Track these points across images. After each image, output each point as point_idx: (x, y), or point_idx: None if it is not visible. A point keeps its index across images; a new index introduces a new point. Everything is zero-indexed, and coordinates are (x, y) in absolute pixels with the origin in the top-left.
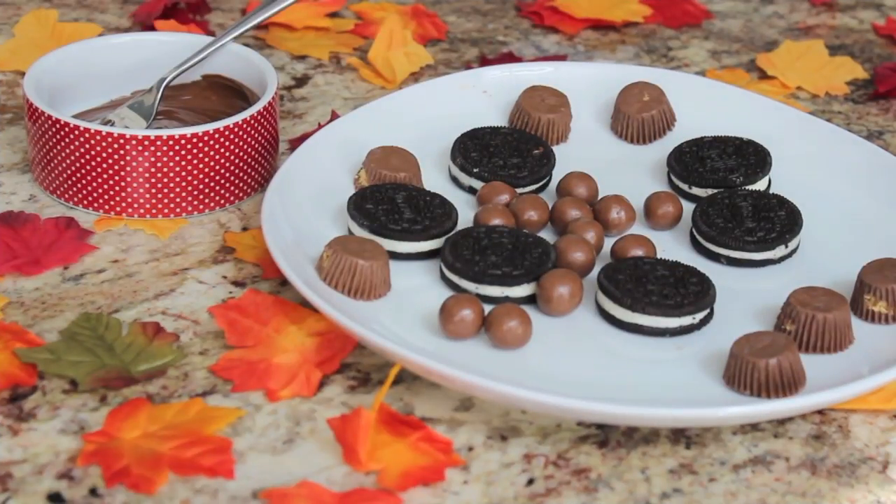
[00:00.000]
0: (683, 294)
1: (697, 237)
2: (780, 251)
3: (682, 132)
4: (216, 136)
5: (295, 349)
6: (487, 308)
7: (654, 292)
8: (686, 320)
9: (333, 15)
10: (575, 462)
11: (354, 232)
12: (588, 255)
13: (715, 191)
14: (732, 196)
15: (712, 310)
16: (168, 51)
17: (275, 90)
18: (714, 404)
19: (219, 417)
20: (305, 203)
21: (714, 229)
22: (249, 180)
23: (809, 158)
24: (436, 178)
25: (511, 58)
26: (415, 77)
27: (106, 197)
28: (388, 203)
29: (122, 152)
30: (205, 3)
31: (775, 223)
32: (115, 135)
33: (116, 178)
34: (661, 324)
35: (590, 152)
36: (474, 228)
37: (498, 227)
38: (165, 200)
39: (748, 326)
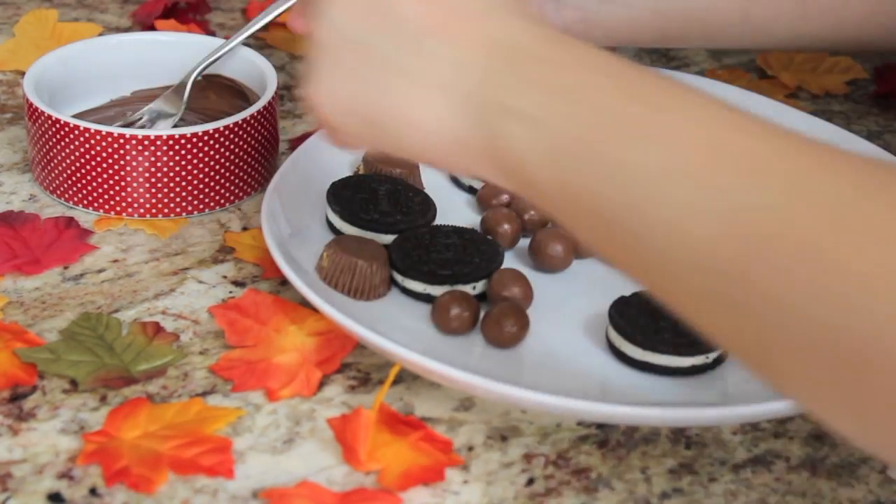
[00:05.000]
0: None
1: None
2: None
3: None
4: (216, 135)
5: (295, 349)
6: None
7: (667, 329)
8: (699, 360)
9: None
10: (575, 462)
11: (329, 217)
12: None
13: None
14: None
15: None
16: (168, 51)
17: (275, 90)
18: (714, 404)
19: (219, 417)
20: (305, 203)
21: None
22: (249, 180)
23: None
24: (436, 177)
25: None
26: None
27: (106, 197)
28: (368, 193)
29: (122, 152)
30: (205, 2)
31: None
32: (115, 135)
33: (116, 177)
34: (672, 363)
35: None
36: (419, 229)
37: (443, 227)
38: (165, 200)
39: None
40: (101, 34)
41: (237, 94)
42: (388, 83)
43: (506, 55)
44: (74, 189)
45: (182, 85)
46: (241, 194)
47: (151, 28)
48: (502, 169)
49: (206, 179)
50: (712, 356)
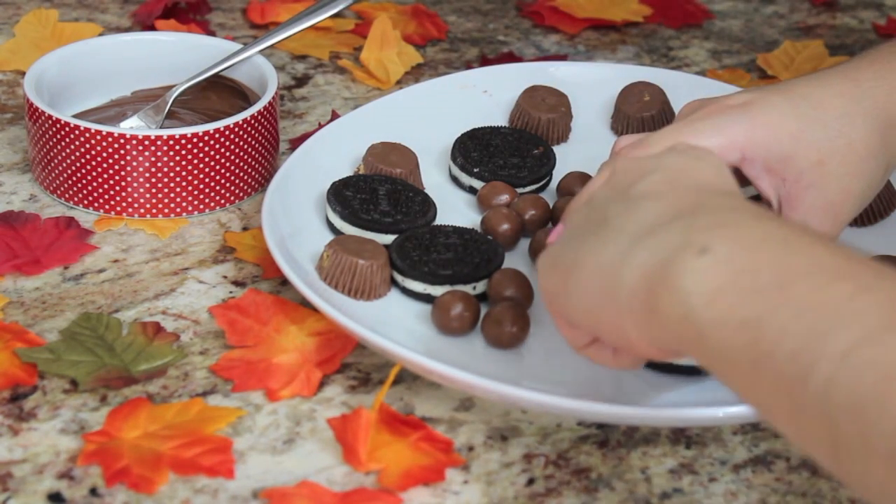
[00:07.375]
0: None
1: None
2: None
3: None
4: (216, 136)
5: (295, 349)
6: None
7: None
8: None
9: (334, 15)
10: (575, 462)
11: (329, 217)
12: None
13: None
14: None
15: None
16: (168, 51)
17: (275, 90)
18: (714, 404)
19: (219, 417)
20: (305, 203)
21: None
22: (249, 180)
23: None
24: (436, 177)
25: (511, 58)
26: (413, 77)
27: (106, 197)
28: (369, 193)
29: (122, 152)
30: (205, 2)
31: None
32: (115, 135)
33: (116, 178)
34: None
35: (590, 152)
36: (419, 229)
37: (444, 227)
38: (165, 200)
39: None
40: (101, 34)
41: (237, 94)
42: (593, 234)
43: (705, 208)
44: (74, 189)
45: (164, 102)
46: (241, 194)
47: (151, 28)
48: (659, 308)
49: (206, 179)
50: None
